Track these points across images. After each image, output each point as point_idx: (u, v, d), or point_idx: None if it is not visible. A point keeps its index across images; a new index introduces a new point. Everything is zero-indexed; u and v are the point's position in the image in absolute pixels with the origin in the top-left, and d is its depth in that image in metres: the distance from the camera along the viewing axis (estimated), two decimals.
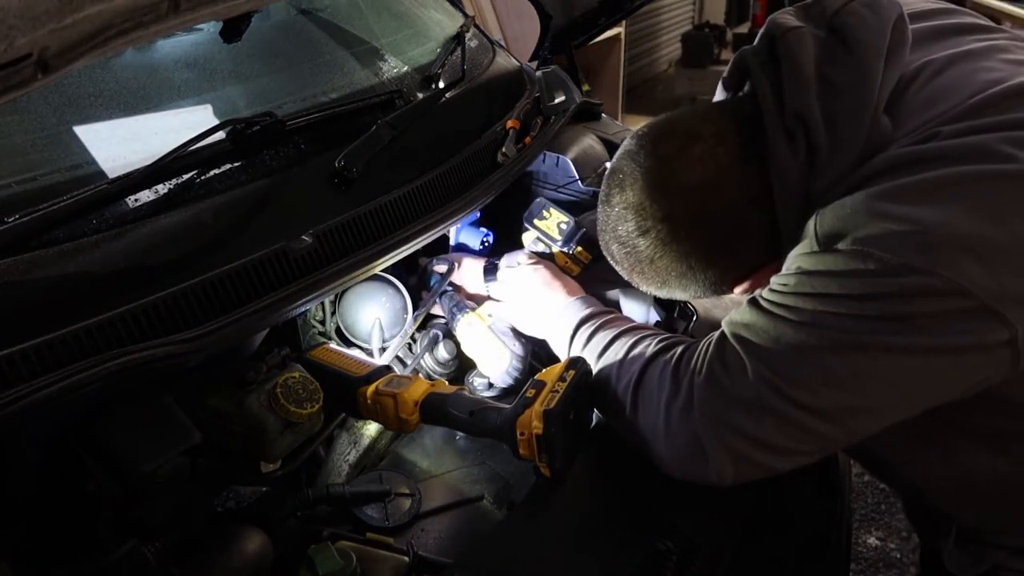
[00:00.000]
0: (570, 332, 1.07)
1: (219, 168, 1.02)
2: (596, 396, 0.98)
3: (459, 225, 1.39)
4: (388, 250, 1.06)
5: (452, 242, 1.43)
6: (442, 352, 1.28)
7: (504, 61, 1.61)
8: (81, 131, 0.98)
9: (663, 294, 0.97)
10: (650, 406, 0.88)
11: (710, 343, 0.85)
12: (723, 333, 0.84)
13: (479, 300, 1.29)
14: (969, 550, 0.98)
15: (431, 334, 1.28)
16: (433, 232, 1.14)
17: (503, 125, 1.40)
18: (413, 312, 1.27)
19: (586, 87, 1.90)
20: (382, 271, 1.16)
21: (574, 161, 1.53)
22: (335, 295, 1.24)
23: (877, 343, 0.73)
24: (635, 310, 1.32)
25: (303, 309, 1.03)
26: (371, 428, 1.18)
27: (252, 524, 0.92)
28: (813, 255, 0.78)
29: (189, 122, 1.07)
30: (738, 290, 0.94)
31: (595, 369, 0.99)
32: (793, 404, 0.76)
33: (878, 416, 0.78)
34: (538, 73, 1.64)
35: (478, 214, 1.37)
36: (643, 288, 0.98)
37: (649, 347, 0.94)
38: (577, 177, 1.52)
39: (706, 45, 7.32)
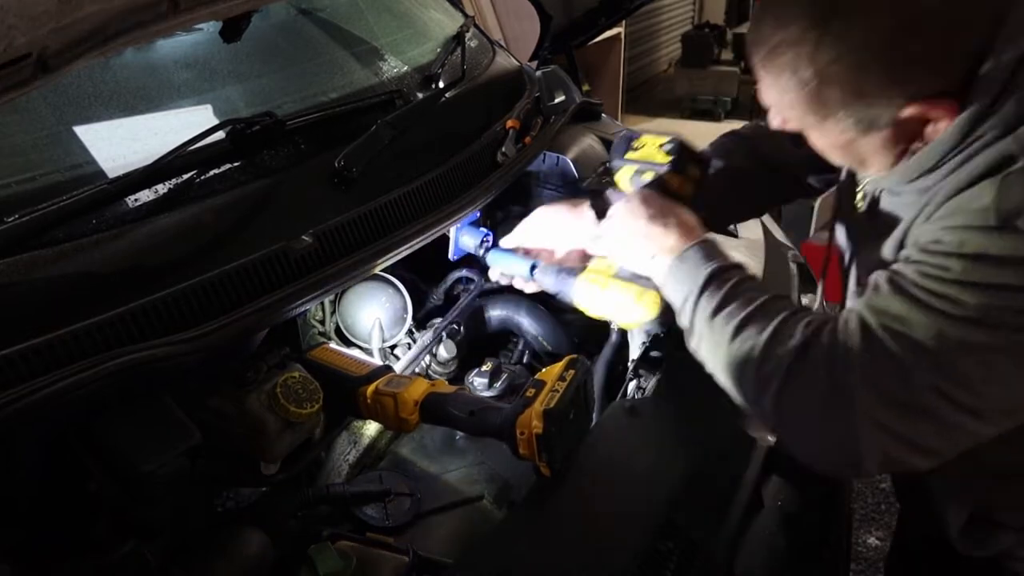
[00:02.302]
0: (695, 293, 0.89)
1: (219, 168, 1.02)
2: (726, 375, 0.86)
3: (459, 225, 1.39)
4: (388, 250, 1.06)
5: (452, 242, 1.43)
6: (442, 352, 1.28)
7: (504, 61, 1.61)
8: (81, 131, 0.98)
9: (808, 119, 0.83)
10: (804, 400, 0.79)
11: (857, 334, 0.75)
12: (867, 325, 0.75)
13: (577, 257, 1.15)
14: (976, 534, 0.95)
15: (428, 333, 1.28)
16: (433, 232, 1.14)
17: (503, 125, 1.40)
18: (440, 323, 1.28)
19: (586, 87, 1.91)
20: (382, 271, 1.16)
21: (574, 161, 1.54)
22: (335, 295, 1.24)
23: None
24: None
25: (303, 309, 1.03)
26: (371, 428, 1.18)
27: (252, 524, 0.92)
28: (987, 232, 0.68)
29: (189, 122, 1.07)
30: (903, 116, 0.78)
31: (728, 345, 0.85)
32: (955, 407, 0.70)
33: None
34: (538, 73, 1.64)
35: (478, 214, 1.37)
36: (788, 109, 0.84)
37: (796, 334, 0.81)
38: (577, 177, 1.52)
39: (706, 45, 7.30)
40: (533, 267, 1.12)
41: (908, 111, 0.77)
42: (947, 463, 0.87)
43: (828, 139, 0.84)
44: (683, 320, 0.91)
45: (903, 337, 0.71)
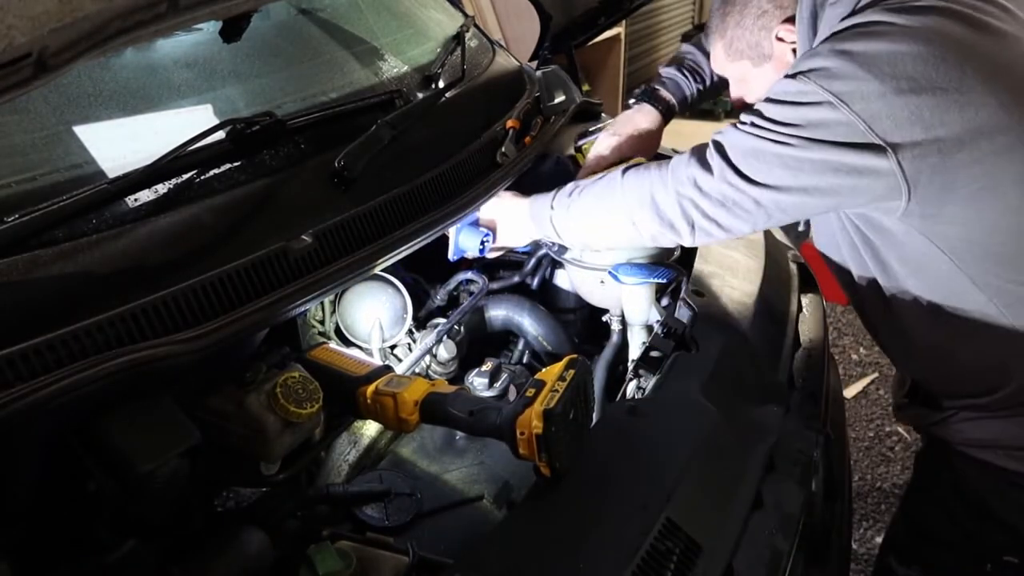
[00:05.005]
0: (548, 207, 1.23)
1: (219, 168, 1.02)
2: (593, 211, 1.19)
3: (459, 225, 1.39)
4: (388, 250, 1.06)
5: (452, 242, 1.43)
6: (442, 352, 1.28)
7: (504, 61, 1.61)
8: (81, 131, 0.98)
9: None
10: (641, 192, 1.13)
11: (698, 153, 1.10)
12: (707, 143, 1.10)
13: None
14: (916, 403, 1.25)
15: (432, 334, 1.28)
16: (433, 232, 1.14)
17: (503, 125, 1.40)
18: (443, 324, 1.29)
19: (586, 87, 1.91)
20: (382, 271, 1.16)
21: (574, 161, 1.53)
22: (335, 295, 1.24)
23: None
24: (636, 308, 1.32)
25: (303, 309, 1.03)
26: (371, 428, 1.18)
27: (252, 524, 0.92)
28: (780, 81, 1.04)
29: (189, 122, 1.07)
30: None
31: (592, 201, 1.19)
32: (735, 188, 1.03)
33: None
34: (538, 73, 1.64)
35: (478, 214, 1.37)
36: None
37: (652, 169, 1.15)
38: (576, 177, 1.52)
39: None
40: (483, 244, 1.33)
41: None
42: (888, 341, 1.26)
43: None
44: (553, 223, 1.24)
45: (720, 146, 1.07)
